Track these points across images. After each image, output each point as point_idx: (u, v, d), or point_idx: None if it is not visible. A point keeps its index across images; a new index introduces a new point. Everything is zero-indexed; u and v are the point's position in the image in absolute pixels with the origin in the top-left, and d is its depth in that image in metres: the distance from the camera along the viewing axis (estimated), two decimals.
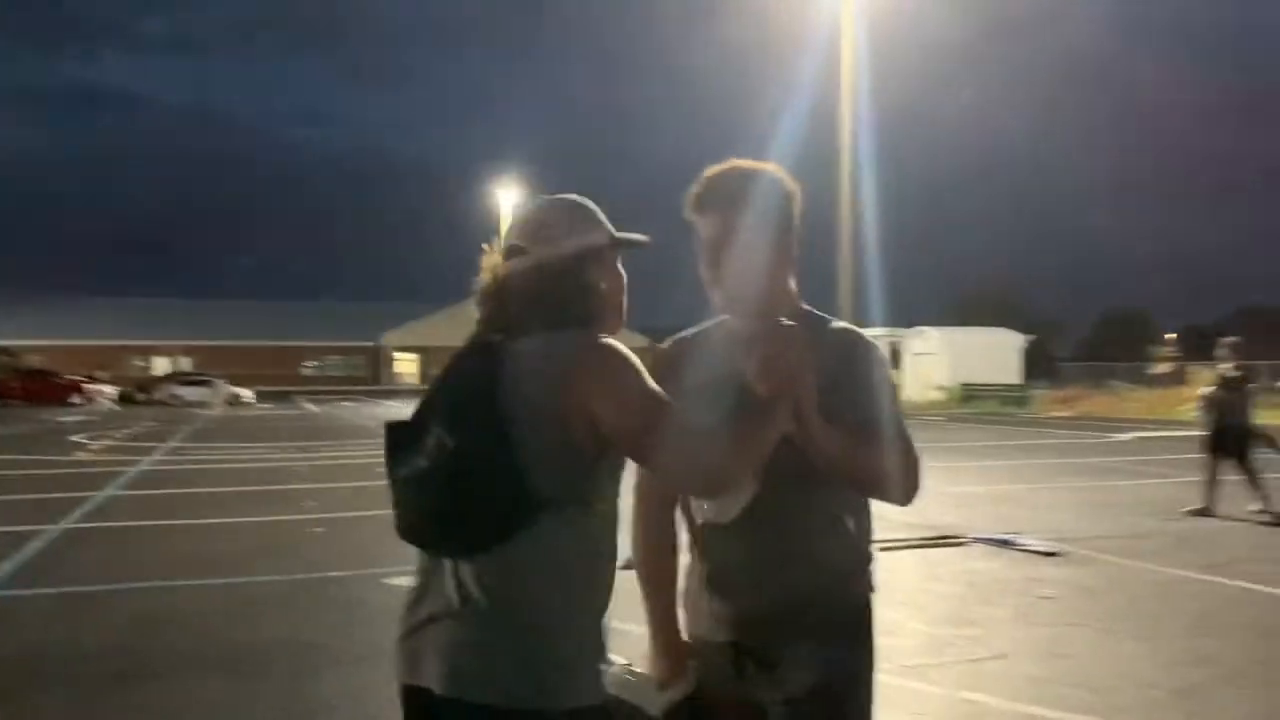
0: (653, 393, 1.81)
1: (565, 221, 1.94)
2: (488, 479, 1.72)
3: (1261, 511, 10.11)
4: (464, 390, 1.82)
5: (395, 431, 1.86)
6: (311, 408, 43.14)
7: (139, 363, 71.29)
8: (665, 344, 2.32)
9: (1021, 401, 36.72)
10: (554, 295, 1.88)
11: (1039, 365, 48.62)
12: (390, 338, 79.14)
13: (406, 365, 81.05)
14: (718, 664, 2.10)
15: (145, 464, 17.02)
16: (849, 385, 2.02)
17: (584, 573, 1.82)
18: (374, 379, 78.21)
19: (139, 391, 47.74)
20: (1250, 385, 10.68)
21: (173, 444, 21.83)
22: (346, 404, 46.70)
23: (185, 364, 67.92)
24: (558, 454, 1.76)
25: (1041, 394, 38.40)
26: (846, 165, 13.99)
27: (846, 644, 2.08)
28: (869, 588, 2.14)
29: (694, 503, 2.16)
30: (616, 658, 2.00)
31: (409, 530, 1.82)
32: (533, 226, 1.95)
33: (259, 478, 14.86)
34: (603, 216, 1.99)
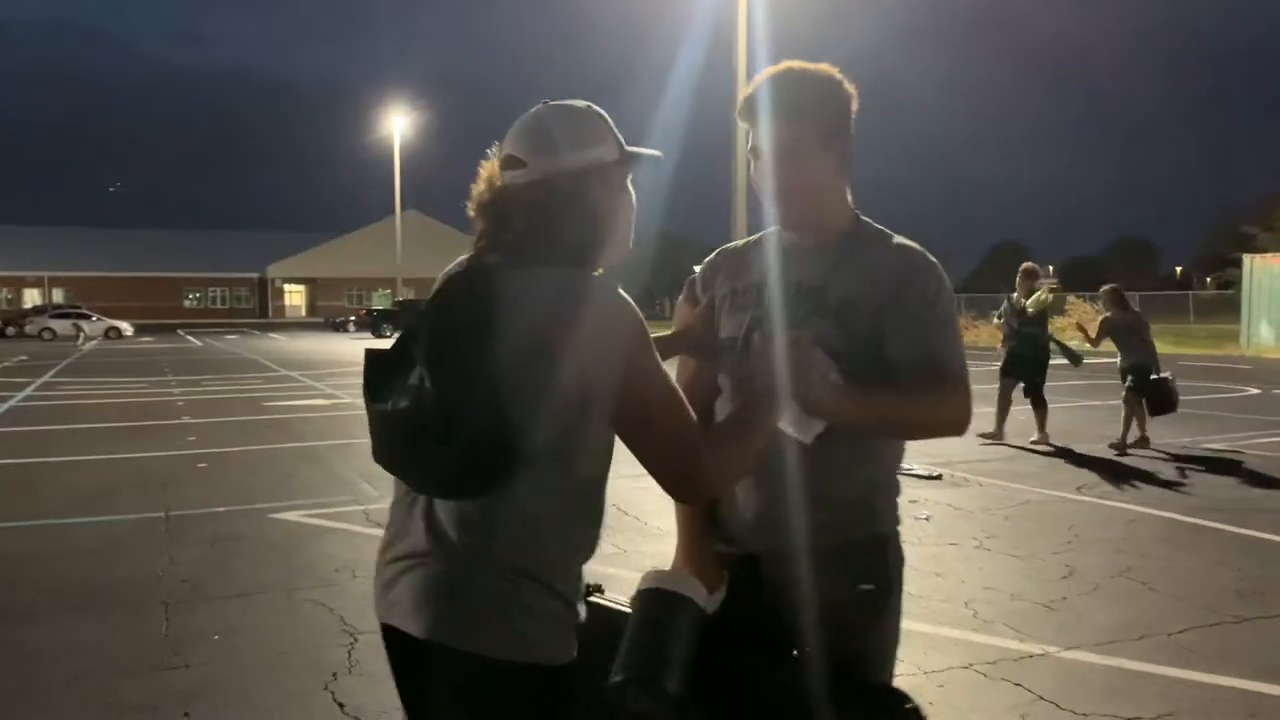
0: (662, 381, 1.67)
1: (569, 133, 1.75)
2: (471, 432, 1.56)
3: (1038, 442, 10.51)
4: (454, 327, 1.62)
5: (375, 359, 1.68)
6: (195, 341, 41.88)
7: (7, 295, 68.29)
8: (712, 255, 2.27)
9: None
10: (551, 218, 1.71)
11: None
12: (276, 269, 76.99)
13: (295, 297, 79.27)
14: (737, 577, 2.07)
15: (16, 399, 16.36)
16: (898, 316, 1.91)
17: (563, 527, 1.68)
18: (261, 311, 76.25)
19: (8, 325, 45.86)
20: (1042, 313, 10.99)
21: (46, 379, 20.99)
22: (231, 337, 45.46)
23: (58, 296, 65.25)
24: (549, 409, 1.62)
25: None
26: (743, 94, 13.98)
27: (863, 571, 2.02)
28: (892, 520, 2.10)
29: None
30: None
31: (386, 463, 1.68)
32: (532, 136, 1.75)
33: (138, 413, 14.36)
34: (613, 127, 1.80)
